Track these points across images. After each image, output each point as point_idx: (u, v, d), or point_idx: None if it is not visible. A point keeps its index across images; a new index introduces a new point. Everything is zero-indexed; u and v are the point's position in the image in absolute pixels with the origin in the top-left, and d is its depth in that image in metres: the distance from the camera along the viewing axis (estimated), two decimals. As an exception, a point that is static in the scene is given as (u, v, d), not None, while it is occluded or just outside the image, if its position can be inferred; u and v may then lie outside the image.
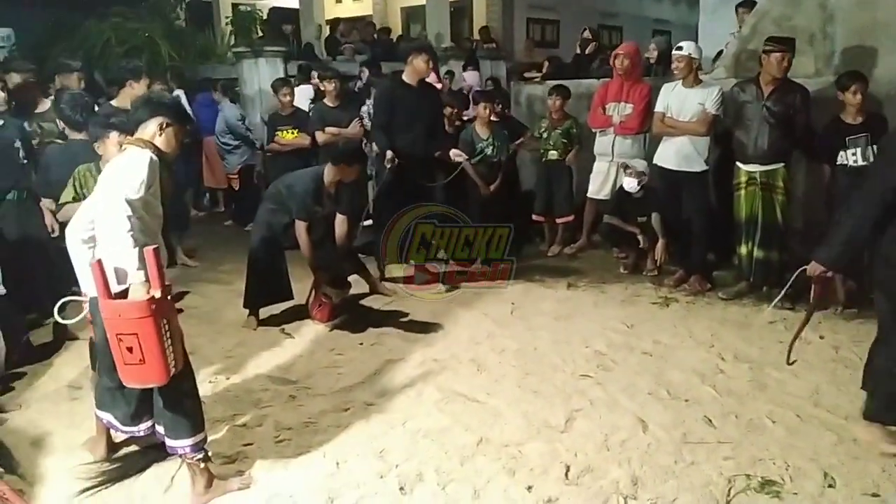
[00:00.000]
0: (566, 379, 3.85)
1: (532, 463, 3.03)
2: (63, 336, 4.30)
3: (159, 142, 2.79)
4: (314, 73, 8.11)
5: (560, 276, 5.72)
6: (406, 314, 4.93)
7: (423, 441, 3.24)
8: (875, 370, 3.06)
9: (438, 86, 8.07)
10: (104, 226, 2.59)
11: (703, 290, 5.22)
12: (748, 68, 5.72)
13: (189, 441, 2.78)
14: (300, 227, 4.59)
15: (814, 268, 3.04)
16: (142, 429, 2.98)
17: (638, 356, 4.14)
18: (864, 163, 4.56)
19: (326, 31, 14.53)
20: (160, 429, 2.86)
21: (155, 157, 2.71)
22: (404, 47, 5.97)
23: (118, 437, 3.15)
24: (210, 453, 2.91)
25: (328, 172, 4.67)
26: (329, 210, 4.80)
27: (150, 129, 2.79)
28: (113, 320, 2.50)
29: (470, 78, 10.10)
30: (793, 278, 3.36)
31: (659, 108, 5.35)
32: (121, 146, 2.82)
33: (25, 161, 4.36)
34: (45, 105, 5.01)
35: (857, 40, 5.52)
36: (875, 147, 4.54)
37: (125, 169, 2.64)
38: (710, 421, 3.35)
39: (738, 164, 5.01)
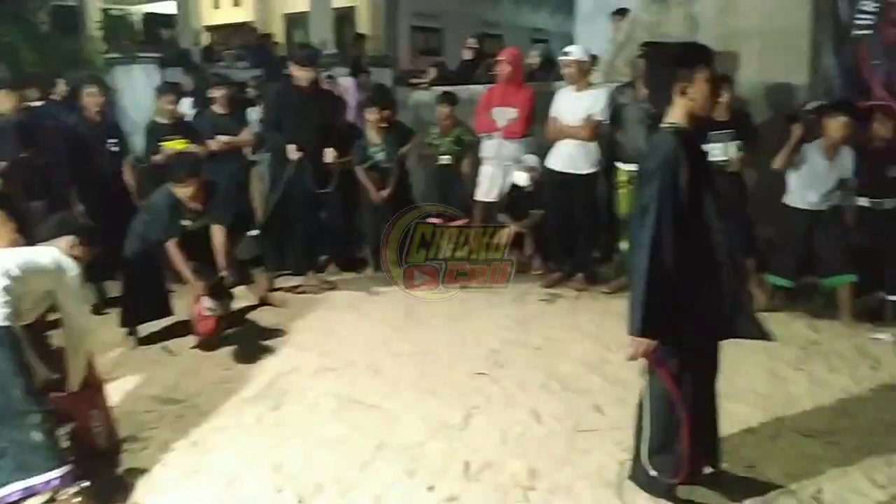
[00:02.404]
0: (462, 378, 3.88)
1: (432, 463, 3.03)
2: None
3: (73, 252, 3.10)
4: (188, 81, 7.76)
5: (453, 279, 5.78)
6: (288, 328, 4.76)
7: (321, 451, 3.17)
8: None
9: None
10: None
11: (585, 288, 5.41)
12: (624, 73, 6.00)
13: (45, 476, 2.56)
14: (168, 245, 4.40)
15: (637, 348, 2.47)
16: None
17: (530, 351, 4.24)
18: (726, 158, 4.79)
19: (207, 37, 14.04)
20: None
21: None
22: (290, 55, 6.01)
23: None
24: (86, 484, 2.71)
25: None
26: (201, 223, 4.61)
27: (62, 244, 3.10)
28: None
29: (345, 83, 9.92)
30: None
31: (552, 112, 5.50)
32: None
33: None
34: None
35: (722, 46, 5.89)
36: (738, 143, 4.85)
37: (74, 277, 2.98)
38: (600, 409, 3.46)
39: (617, 164, 5.24)
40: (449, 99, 6.47)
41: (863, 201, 4.62)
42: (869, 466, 2.90)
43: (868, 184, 4.56)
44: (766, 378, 3.76)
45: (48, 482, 2.55)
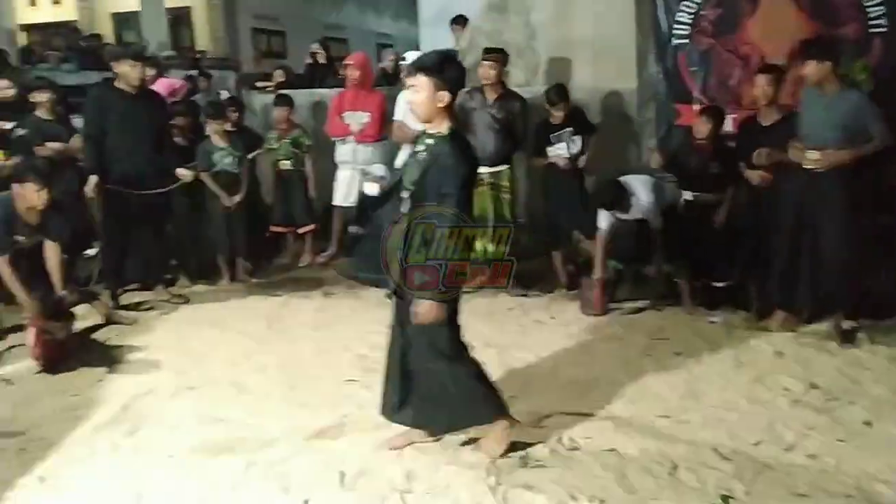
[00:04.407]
0: (332, 387, 3.84)
1: (306, 476, 2.97)
2: None
3: None
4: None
5: (315, 286, 5.68)
6: (139, 347, 4.48)
7: (186, 476, 3.02)
8: None
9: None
10: None
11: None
12: (472, 79, 6.19)
13: None
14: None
15: None
16: None
17: (400, 354, 4.25)
18: (568, 155, 5.30)
19: (23, 37, 12.84)
20: None
21: None
22: (109, 51, 5.47)
23: None
24: None
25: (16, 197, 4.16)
26: (36, 239, 4.25)
27: None
28: None
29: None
30: None
31: (398, 116, 5.57)
32: None
33: None
34: None
35: (558, 53, 6.28)
36: (577, 138, 5.30)
37: None
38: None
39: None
40: (285, 101, 6.39)
41: (687, 195, 5.01)
42: (717, 442, 3.14)
43: (692, 179, 4.95)
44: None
45: None
